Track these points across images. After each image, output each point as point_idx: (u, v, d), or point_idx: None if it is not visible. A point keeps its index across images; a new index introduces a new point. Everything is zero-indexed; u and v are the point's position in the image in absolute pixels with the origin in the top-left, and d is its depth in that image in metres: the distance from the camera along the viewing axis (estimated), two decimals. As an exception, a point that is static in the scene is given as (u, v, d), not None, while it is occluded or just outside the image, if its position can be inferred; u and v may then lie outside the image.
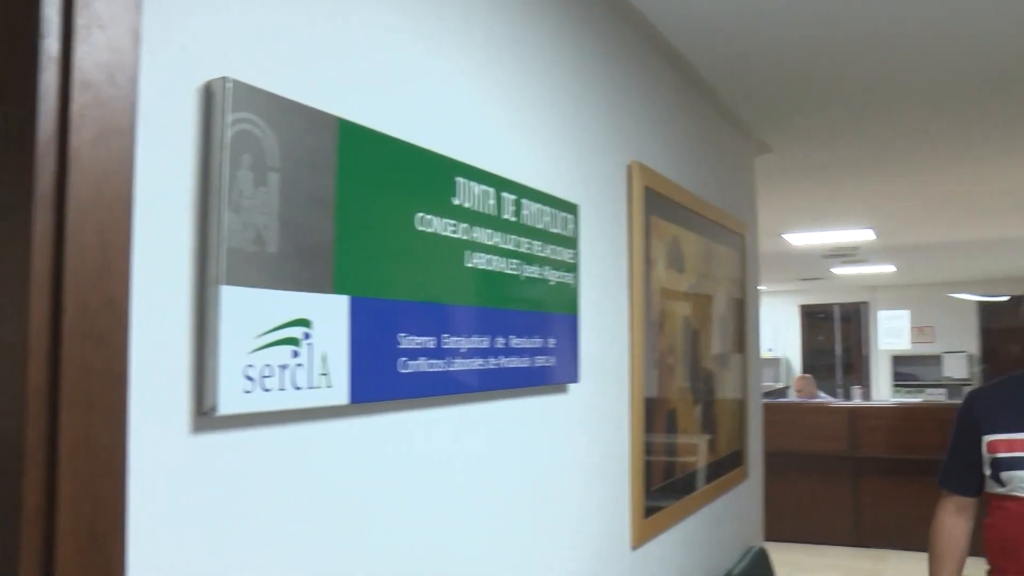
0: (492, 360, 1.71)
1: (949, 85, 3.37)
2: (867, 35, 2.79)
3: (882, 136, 4.21)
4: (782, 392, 11.27)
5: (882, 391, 13.43)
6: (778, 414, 7.94)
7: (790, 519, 7.41)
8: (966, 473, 2.61)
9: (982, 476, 2.56)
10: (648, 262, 2.48)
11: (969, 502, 2.65)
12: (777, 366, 14.03)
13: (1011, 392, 2.61)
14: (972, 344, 13.38)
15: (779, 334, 14.23)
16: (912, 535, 6.77)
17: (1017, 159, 4.89)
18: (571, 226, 2.03)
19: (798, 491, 7.59)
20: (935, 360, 13.39)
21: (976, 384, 12.86)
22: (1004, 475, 2.48)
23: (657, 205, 2.57)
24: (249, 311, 1.16)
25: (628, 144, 2.46)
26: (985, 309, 13.14)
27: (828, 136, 4.19)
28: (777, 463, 7.28)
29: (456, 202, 1.62)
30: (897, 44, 2.88)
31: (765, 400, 9.23)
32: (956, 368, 13.17)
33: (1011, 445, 2.50)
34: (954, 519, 2.64)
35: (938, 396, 12.29)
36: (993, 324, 13.11)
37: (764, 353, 13.79)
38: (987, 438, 2.53)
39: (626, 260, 2.39)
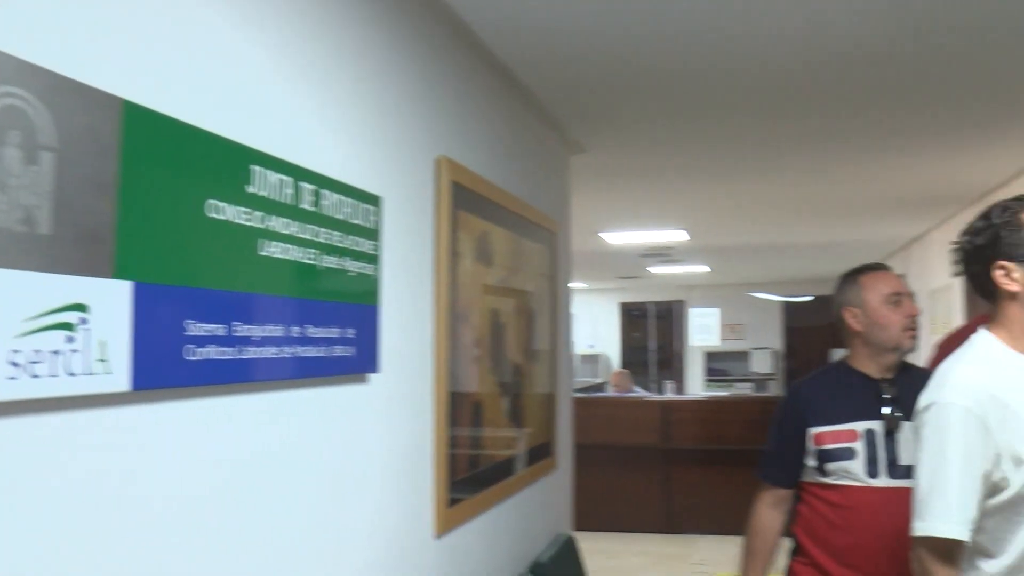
0: (287, 349, 1.71)
1: (759, 96, 3.59)
2: (681, 42, 2.92)
3: (695, 141, 4.43)
4: (600, 387, 11.64)
5: (695, 385, 14.10)
6: (595, 408, 8.21)
7: (605, 509, 7.66)
8: (787, 466, 2.62)
9: (802, 468, 2.58)
10: (455, 255, 2.53)
11: (787, 494, 2.66)
12: (596, 362, 14.48)
13: (834, 384, 2.64)
14: (777, 341, 14.25)
15: (599, 331, 14.69)
16: (720, 520, 7.16)
17: (818, 170, 5.26)
18: (373, 217, 2.05)
19: (613, 482, 7.86)
20: (744, 356, 14.17)
21: (780, 378, 13.72)
22: (829, 466, 2.51)
23: (466, 200, 2.63)
24: (16, 294, 1.13)
25: (437, 139, 2.50)
26: (789, 308, 14.01)
27: (642, 139, 4.38)
28: (593, 455, 7.52)
29: (251, 190, 1.61)
30: (710, 53, 3.04)
31: (584, 395, 9.54)
32: (762, 363, 13.98)
33: (837, 436, 2.52)
34: (772, 512, 2.66)
35: (746, 390, 13.04)
36: (796, 323, 14.00)
37: (584, 349, 14.22)
38: (813, 430, 2.54)
39: (432, 253, 2.43)
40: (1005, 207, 1.89)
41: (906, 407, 2.43)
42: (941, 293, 7.57)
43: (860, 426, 2.52)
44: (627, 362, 14.35)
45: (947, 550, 1.82)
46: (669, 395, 10.15)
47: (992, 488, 1.83)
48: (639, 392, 9.89)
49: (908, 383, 2.51)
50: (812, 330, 13.02)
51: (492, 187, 2.92)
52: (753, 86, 3.44)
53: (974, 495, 1.81)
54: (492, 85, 3.08)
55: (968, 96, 3.69)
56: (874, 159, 4.99)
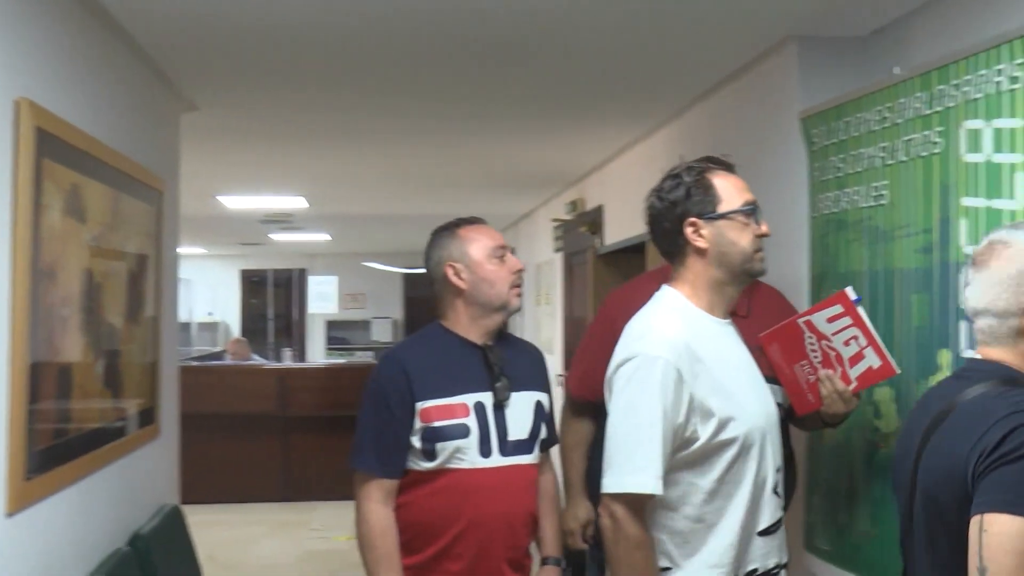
0: None
1: (367, 66, 3.62)
2: (291, 7, 2.88)
3: (307, 108, 4.40)
4: (219, 355, 11.29)
5: (316, 354, 14.13)
6: (211, 376, 7.98)
7: (222, 479, 7.49)
8: (395, 450, 2.27)
9: (407, 451, 2.27)
10: (39, 207, 2.32)
11: (395, 485, 2.30)
12: (216, 330, 14.02)
13: (438, 351, 2.36)
14: (398, 311, 14.67)
15: (219, 298, 14.21)
16: (337, 486, 7.22)
17: (432, 145, 5.45)
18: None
19: (231, 451, 7.70)
20: (365, 325, 14.44)
21: (399, 346, 14.08)
22: (438, 446, 2.23)
23: (53, 148, 2.41)
24: None
25: (16, 79, 2.27)
26: (409, 279, 14.46)
27: (256, 101, 4.27)
28: (210, 425, 7.31)
29: None
30: (315, 21, 3.01)
31: (200, 363, 9.19)
32: (383, 332, 14.34)
33: (446, 411, 2.25)
34: (384, 509, 2.28)
35: (367, 358, 13.33)
36: (416, 293, 14.50)
37: (203, 317, 13.70)
38: (420, 405, 2.25)
39: (9, 203, 2.21)
40: (691, 167, 1.99)
41: (513, 377, 2.35)
42: (546, 266, 8.24)
43: (470, 399, 2.29)
44: (247, 330, 14.03)
45: (640, 505, 1.84)
46: (287, 363, 10.10)
47: (683, 442, 1.87)
48: (257, 360, 9.73)
49: (512, 351, 2.44)
50: (431, 300, 13.54)
51: (87, 137, 2.71)
52: (360, 57, 3.48)
53: (667, 449, 1.83)
54: (90, 29, 2.85)
55: (565, 86, 4.00)
56: (483, 138, 5.29)
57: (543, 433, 2.46)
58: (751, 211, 1.99)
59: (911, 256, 2.46)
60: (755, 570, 1.97)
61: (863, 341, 2.25)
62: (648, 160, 4.93)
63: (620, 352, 1.94)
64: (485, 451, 2.28)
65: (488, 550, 2.29)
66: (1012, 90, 2.06)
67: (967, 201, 2.24)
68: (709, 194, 1.95)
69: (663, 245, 2.04)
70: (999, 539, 1.32)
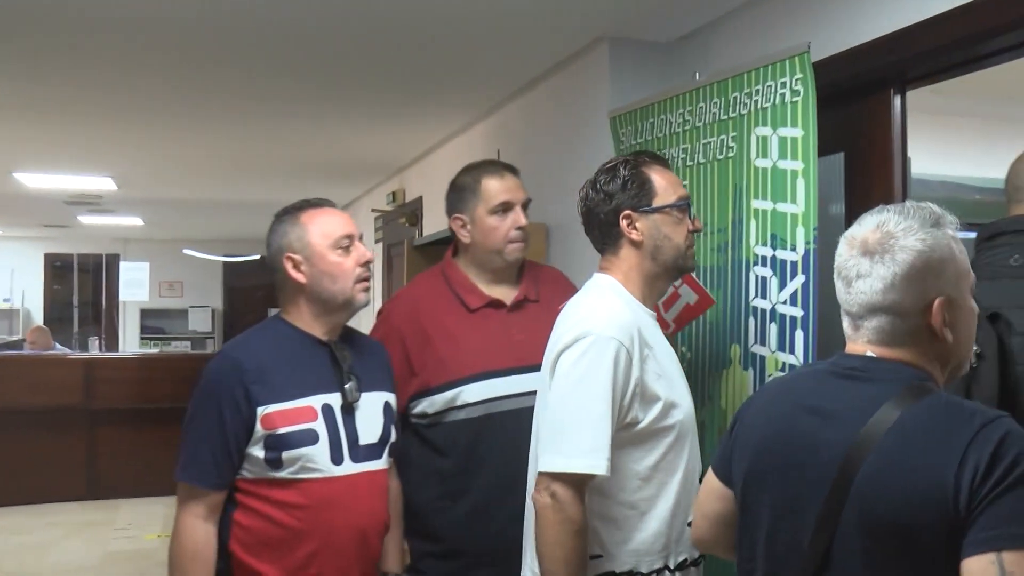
0: None
1: (175, 49, 3.49)
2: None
3: (110, 83, 4.16)
4: (18, 345, 10.58)
5: (130, 343, 13.47)
6: (8, 368, 7.46)
7: (18, 480, 7.02)
8: (224, 461, 2.02)
9: (241, 462, 2.03)
10: None
11: (221, 498, 2.05)
12: (14, 317, 13.12)
13: (280, 348, 2.11)
14: (217, 300, 14.16)
15: (19, 283, 13.31)
16: (148, 483, 6.91)
17: (252, 130, 5.29)
18: None
19: (30, 450, 7.20)
20: (182, 314, 13.87)
21: (218, 337, 13.64)
22: (285, 455, 2.01)
23: None
24: None
25: None
26: (230, 267, 13.98)
27: (53, 74, 4.00)
28: (5, 421, 6.84)
29: None
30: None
31: (-8, 353, 8.56)
32: (201, 322, 13.82)
33: (293, 416, 2.02)
34: (204, 526, 2.03)
35: (184, 347, 12.81)
36: (237, 282, 14.04)
37: (0, 304, 12.81)
38: (262, 410, 2.00)
39: None
40: (627, 161, 1.97)
41: (361, 377, 2.18)
42: (368, 256, 8.13)
43: (317, 401, 2.07)
44: (51, 318, 13.20)
45: (583, 487, 1.80)
46: (94, 352, 9.57)
47: (622, 427, 1.84)
48: (60, 350, 9.18)
49: (358, 348, 2.25)
50: (253, 289, 13.17)
51: None
52: (165, 35, 3.34)
53: (611, 429, 1.80)
54: None
55: (388, 74, 3.98)
56: (305, 126, 5.19)
57: (393, 436, 2.28)
58: (685, 206, 2.01)
59: (708, 254, 2.57)
60: (685, 560, 1.94)
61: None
62: (467, 152, 4.96)
63: (567, 332, 1.88)
64: (336, 458, 2.06)
65: (344, 570, 2.10)
66: (794, 102, 2.19)
67: (757, 203, 2.37)
68: (645, 188, 1.94)
69: (597, 236, 2.02)
70: None
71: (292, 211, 2.15)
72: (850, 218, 1.65)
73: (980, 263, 1.95)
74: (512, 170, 2.49)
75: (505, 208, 2.40)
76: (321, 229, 2.11)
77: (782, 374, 2.22)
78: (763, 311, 2.35)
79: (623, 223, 1.94)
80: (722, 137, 2.51)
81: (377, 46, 3.47)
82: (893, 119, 2.43)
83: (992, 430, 1.24)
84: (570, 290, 2.63)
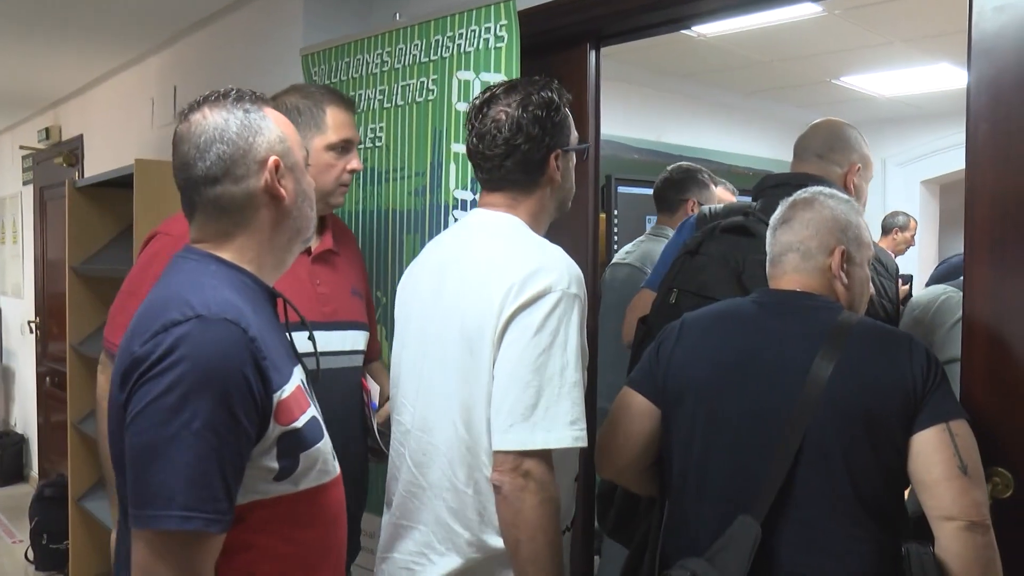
0: None
1: None
2: None
3: None
4: None
5: None
6: None
7: None
8: (235, 486, 1.30)
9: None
10: None
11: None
12: None
13: (253, 303, 1.41)
14: None
15: None
16: None
17: None
18: None
19: None
20: None
21: None
22: (306, 458, 1.39)
23: None
24: None
25: None
26: None
27: None
28: None
29: None
30: None
31: None
32: None
33: (300, 401, 1.41)
34: None
35: None
36: None
37: None
38: (279, 396, 1.35)
39: None
40: (560, 93, 1.78)
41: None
42: (10, 200, 7.29)
43: (299, 375, 1.47)
44: None
45: (551, 459, 1.60)
46: None
47: None
48: None
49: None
50: None
51: None
52: None
53: (583, 395, 1.62)
54: None
55: (41, 9, 3.60)
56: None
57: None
58: (585, 149, 1.99)
59: (406, 198, 2.59)
60: (573, 521, 1.84)
61: None
62: (137, 88, 4.59)
63: (523, 286, 1.61)
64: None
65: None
66: (498, 48, 2.25)
67: (456, 147, 2.42)
68: (566, 125, 1.79)
69: (521, 173, 1.76)
70: (966, 439, 1.56)
71: None
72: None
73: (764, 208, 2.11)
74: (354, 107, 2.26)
75: (345, 147, 2.14)
76: None
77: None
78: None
79: (553, 161, 1.77)
80: (422, 79, 2.52)
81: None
82: (589, 73, 2.57)
83: (917, 340, 1.64)
84: (353, 239, 2.47)
